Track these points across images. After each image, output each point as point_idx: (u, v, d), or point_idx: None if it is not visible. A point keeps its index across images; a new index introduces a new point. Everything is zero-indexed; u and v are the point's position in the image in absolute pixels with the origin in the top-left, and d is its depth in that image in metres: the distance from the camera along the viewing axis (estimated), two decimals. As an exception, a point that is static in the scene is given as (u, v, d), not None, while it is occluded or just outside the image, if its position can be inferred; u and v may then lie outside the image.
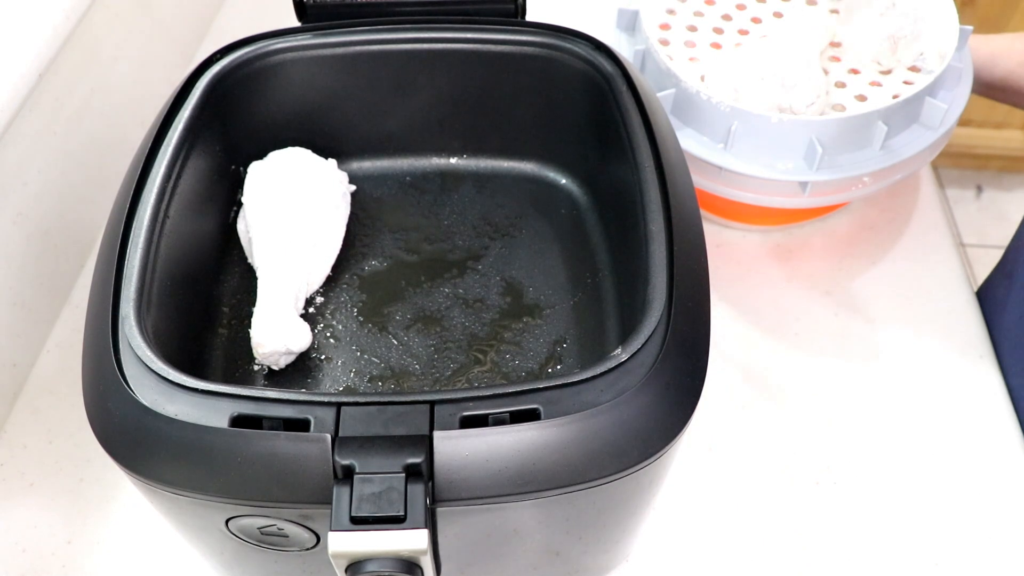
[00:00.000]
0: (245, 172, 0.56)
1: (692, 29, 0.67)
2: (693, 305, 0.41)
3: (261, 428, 0.36)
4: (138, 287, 0.41)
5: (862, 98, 0.62)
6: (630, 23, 0.67)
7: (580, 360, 0.51)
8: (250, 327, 0.50)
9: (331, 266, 0.55)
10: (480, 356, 0.51)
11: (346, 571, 0.35)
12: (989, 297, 0.67)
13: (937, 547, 0.54)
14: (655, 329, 0.39)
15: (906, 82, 0.63)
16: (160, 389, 0.37)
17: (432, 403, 0.36)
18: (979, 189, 1.74)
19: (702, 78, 0.62)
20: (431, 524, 0.36)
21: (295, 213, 0.53)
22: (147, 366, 0.38)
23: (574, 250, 0.56)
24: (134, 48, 0.73)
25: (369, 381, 0.50)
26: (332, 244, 0.55)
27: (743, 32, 0.67)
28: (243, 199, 0.55)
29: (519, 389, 0.37)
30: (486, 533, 0.40)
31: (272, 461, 0.35)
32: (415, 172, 0.60)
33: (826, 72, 0.63)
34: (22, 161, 0.59)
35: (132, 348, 0.39)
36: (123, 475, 0.38)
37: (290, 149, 0.57)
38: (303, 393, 0.37)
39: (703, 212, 0.68)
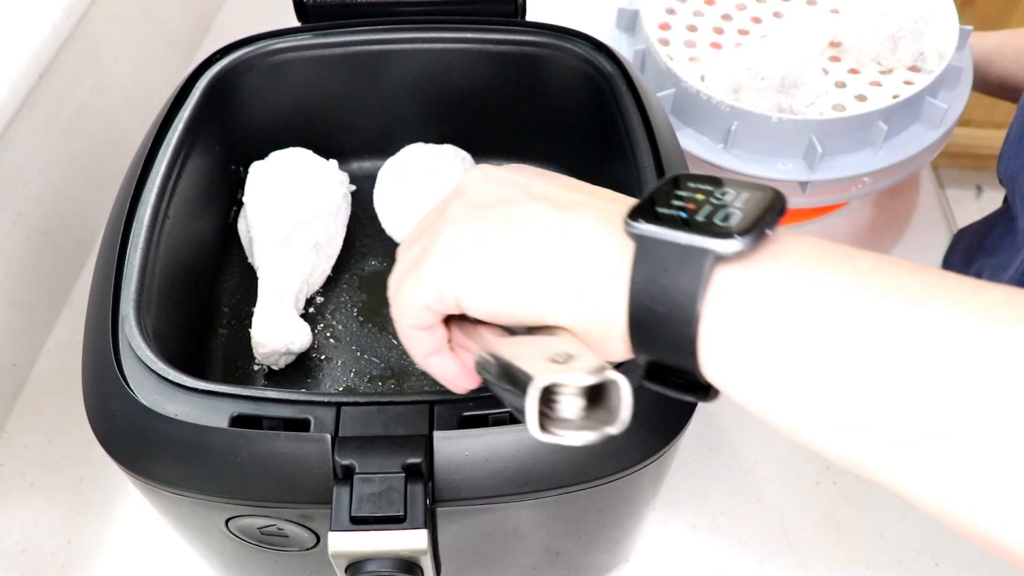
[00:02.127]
0: (245, 172, 0.56)
1: (692, 29, 0.67)
2: (693, 305, 0.41)
3: (261, 428, 0.36)
4: (138, 287, 0.41)
5: (862, 98, 0.62)
6: (630, 23, 0.67)
7: (580, 360, 0.51)
8: (250, 327, 0.50)
9: (331, 266, 0.55)
10: (480, 356, 0.51)
11: (346, 571, 0.35)
12: None
13: (937, 547, 0.54)
14: (655, 329, 0.39)
15: (906, 82, 0.63)
16: (160, 389, 0.37)
17: (432, 403, 0.37)
18: (979, 189, 1.74)
19: (702, 78, 0.62)
20: (431, 524, 0.36)
21: (296, 213, 0.53)
22: (147, 366, 0.38)
23: (574, 250, 0.56)
24: (134, 48, 0.73)
25: (369, 381, 0.50)
26: (333, 244, 0.55)
27: (743, 32, 0.67)
28: (244, 199, 0.55)
29: (519, 389, 0.37)
30: (486, 533, 0.40)
31: (272, 461, 0.35)
32: (415, 172, 0.60)
33: (826, 72, 0.63)
34: (22, 161, 0.59)
35: (132, 348, 0.39)
36: (123, 475, 0.38)
37: (291, 149, 0.57)
38: (303, 393, 0.37)
39: (703, 212, 0.67)
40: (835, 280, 0.26)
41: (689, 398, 0.29)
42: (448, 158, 0.56)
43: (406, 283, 0.33)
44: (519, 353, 0.28)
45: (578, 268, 0.29)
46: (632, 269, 0.27)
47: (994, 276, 0.60)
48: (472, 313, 0.31)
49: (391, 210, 0.56)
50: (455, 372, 0.34)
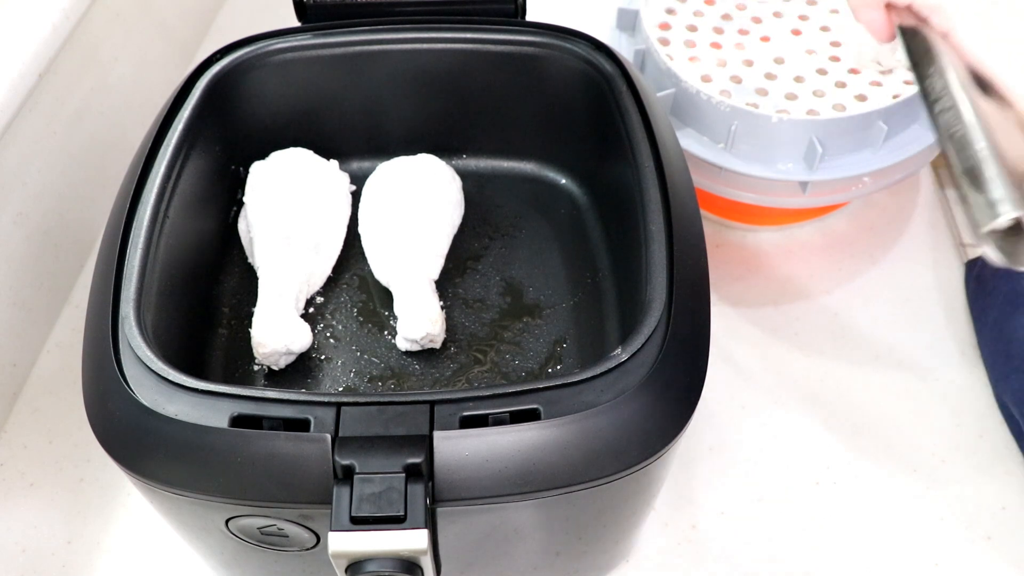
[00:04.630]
0: (245, 172, 0.56)
1: (692, 29, 0.67)
2: (693, 305, 0.41)
3: (261, 428, 0.36)
4: (138, 287, 0.41)
5: (862, 98, 0.62)
6: (630, 23, 0.67)
7: (580, 360, 0.51)
8: (250, 327, 0.50)
9: (332, 266, 0.55)
10: (480, 356, 0.51)
11: (346, 571, 0.35)
12: (968, 303, 0.66)
13: (937, 547, 0.54)
14: (655, 329, 0.39)
15: (906, 82, 0.63)
16: (160, 389, 0.37)
17: (432, 403, 0.37)
18: (979, 189, 1.74)
19: (702, 78, 0.62)
20: (431, 524, 0.36)
21: (296, 213, 0.53)
22: (147, 366, 0.38)
23: (574, 250, 0.56)
24: (134, 48, 0.73)
25: (369, 381, 0.50)
26: (333, 244, 0.55)
27: (743, 32, 0.67)
28: (245, 199, 0.55)
29: (519, 389, 0.37)
30: (486, 533, 0.40)
31: (272, 461, 0.35)
32: (415, 172, 0.60)
33: (826, 72, 0.63)
34: (22, 161, 0.59)
35: (132, 348, 0.39)
36: (123, 475, 0.38)
37: (292, 149, 0.57)
38: (303, 393, 0.37)
39: (703, 212, 0.67)
40: None
41: None
42: (423, 175, 0.56)
43: None
44: (990, 123, 0.28)
45: None
46: None
47: None
48: None
49: (373, 244, 0.55)
50: (882, 26, 0.43)
